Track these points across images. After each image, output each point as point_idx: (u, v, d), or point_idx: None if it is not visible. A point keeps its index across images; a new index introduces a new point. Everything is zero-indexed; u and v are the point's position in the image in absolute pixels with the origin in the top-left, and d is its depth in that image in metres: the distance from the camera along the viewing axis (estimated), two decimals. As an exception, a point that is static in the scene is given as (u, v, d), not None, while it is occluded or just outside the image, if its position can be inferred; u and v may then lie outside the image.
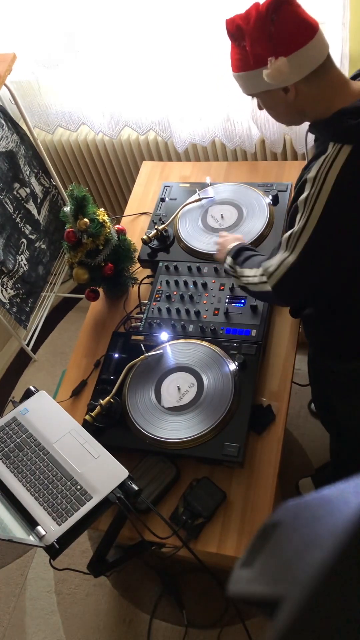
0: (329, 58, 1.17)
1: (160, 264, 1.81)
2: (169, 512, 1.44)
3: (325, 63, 1.17)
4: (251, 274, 1.38)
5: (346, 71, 1.93)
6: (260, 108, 1.31)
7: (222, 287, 1.71)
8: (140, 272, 1.90)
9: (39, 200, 2.58)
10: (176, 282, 1.75)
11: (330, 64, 1.18)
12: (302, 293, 1.34)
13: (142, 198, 2.11)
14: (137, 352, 1.64)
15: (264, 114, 2.13)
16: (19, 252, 2.45)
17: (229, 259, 1.48)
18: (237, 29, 1.18)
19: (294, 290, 1.31)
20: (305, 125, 1.29)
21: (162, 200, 1.99)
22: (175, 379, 1.57)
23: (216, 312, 1.66)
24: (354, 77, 1.28)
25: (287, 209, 1.36)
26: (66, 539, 1.30)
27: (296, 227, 1.20)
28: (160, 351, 1.63)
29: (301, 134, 2.12)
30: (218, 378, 1.53)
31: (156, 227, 1.85)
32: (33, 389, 1.57)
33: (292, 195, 1.31)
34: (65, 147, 2.58)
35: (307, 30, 1.14)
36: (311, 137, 1.31)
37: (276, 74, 1.16)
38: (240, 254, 1.47)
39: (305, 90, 1.18)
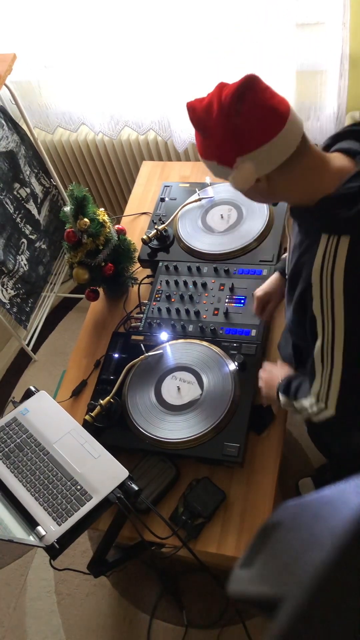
0: (304, 140, 1.07)
1: (160, 264, 1.81)
2: (169, 512, 1.44)
3: (299, 149, 1.06)
4: (307, 404, 1.23)
5: (346, 72, 1.93)
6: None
7: (222, 287, 1.71)
8: (140, 272, 1.90)
9: (39, 200, 2.58)
10: (176, 282, 1.75)
11: (305, 147, 1.07)
12: None
13: (142, 198, 2.11)
14: (137, 352, 1.64)
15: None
16: (19, 252, 2.45)
17: (282, 398, 1.33)
18: (198, 120, 1.08)
19: (358, 398, 1.18)
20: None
21: (162, 200, 1.99)
22: (175, 378, 1.57)
23: (216, 312, 1.66)
24: (329, 145, 1.19)
25: (287, 293, 1.24)
26: (66, 539, 1.30)
27: (324, 340, 1.11)
28: (160, 351, 1.63)
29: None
30: (218, 378, 1.53)
31: (156, 227, 1.85)
32: (33, 389, 1.57)
33: (289, 272, 1.20)
34: (65, 147, 2.59)
35: (276, 119, 1.03)
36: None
37: (242, 181, 1.08)
38: (290, 386, 1.32)
39: (279, 180, 1.09)
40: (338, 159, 1.12)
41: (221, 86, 1.07)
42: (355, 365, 1.12)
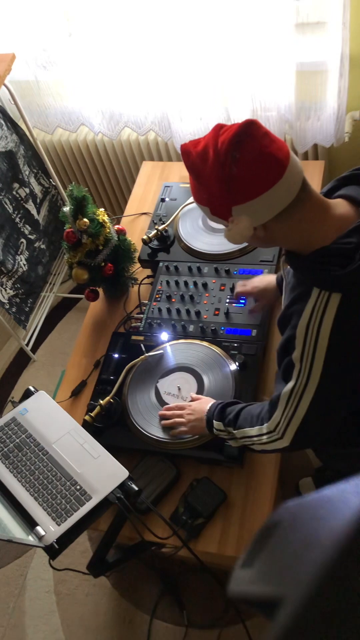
0: (304, 187, 1.03)
1: (161, 264, 1.81)
2: (169, 512, 1.44)
3: (300, 195, 1.03)
4: (255, 432, 1.24)
5: (346, 72, 1.93)
6: None
7: (222, 287, 1.71)
8: (140, 272, 1.90)
9: (38, 201, 2.58)
10: (176, 282, 1.75)
11: (306, 195, 1.04)
12: (321, 435, 1.22)
13: (142, 198, 2.11)
14: (137, 352, 1.63)
15: (264, 112, 2.13)
16: (19, 252, 2.45)
17: (217, 424, 1.33)
18: (192, 165, 1.04)
19: (314, 437, 1.21)
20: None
21: (163, 200, 1.98)
22: (176, 379, 1.57)
23: (217, 312, 1.66)
24: (335, 187, 1.16)
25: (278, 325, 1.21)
26: (66, 539, 1.30)
27: (295, 385, 1.12)
28: (161, 351, 1.62)
29: (303, 133, 2.12)
30: (218, 378, 1.53)
31: (156, 227, 1.85)
32: (32, 389, 1.57)
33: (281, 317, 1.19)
34: (64, 147, 2.58)
35: (275, 168, 0.99)
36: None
37: (238, 236, 1.06)
38: (225, 412, 1.33)
39: (277, 228, 1.06)
40: (341, 207, 1.08)
41: (217, 129, 1.03)
42: (321, 411, 1.14)
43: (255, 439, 1.25)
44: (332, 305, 1.03)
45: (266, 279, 1.59)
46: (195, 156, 1.04)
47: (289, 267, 1.19)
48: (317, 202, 1.06)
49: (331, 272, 1.02)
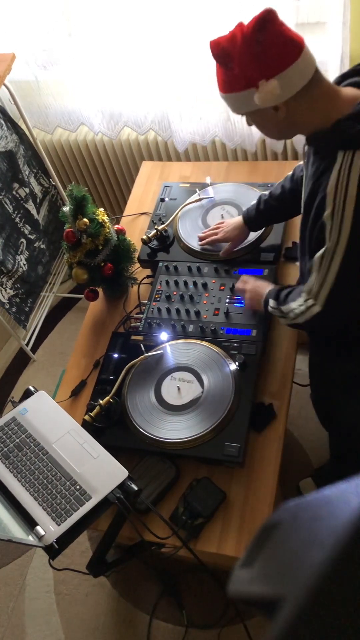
0: (317, 71, 1.17)
1: (160, 264, 1.81)
2: (169, 512, 1.44)
3: (314, 77, 1.16)
4: (296, 304, 1.34)
5: (346, 71, 1.94)
6: (249, 124, 1.30)
7: (222, 287, 1.70)
8: (140, 272, 1.90)
9: (38, 200, 2.58)
10: (176, 282, 1.75)
11: (319, 77, 1.18)
12: (352, 304, 1.29)
13: (142, 198, 2.11)
14: (137, 352, 1.63)
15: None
16: (18, 252, 2.45)
17: (272, 302, 1.45)
18: (222, 51, 1.17)
19: (344, 303, 1.28)
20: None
21: (162, 200, 1.98)
22: (175, 378, 1.57)
23: (216, 312, 1.66)
24: (338, 83, 1.27)
25: (301, 226, 1.31)
26: (65, 539, 1.30)
27: (328, 244, 1.18)
28: (160, 351, 1.62)
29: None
30: (218, 378, 1.53)
31: (156, 227, 1.85)
32: (32, 389, 1.57)
33: (302, 210, 1.29)
34: (64, 147, 2.58)
35: (294, 48, 1.14)
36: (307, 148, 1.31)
37: (268, 97, 1.16)
38: (281, 293, 1.44)
39: (297, 107, 1.18)
40: (349, 90, 1.21)
41: (240, 24, 1.16)
42: (351, 272, 1.21)
43: (296, 309, 1.34)
44: (357, 161, 1.11)
45: (232, 220, 1.75)
46: (224, 42, 1.17)
47: (309, 156, 1.28)
48: (330, 84, 1.20)
49: (352, 131, 1.12)
